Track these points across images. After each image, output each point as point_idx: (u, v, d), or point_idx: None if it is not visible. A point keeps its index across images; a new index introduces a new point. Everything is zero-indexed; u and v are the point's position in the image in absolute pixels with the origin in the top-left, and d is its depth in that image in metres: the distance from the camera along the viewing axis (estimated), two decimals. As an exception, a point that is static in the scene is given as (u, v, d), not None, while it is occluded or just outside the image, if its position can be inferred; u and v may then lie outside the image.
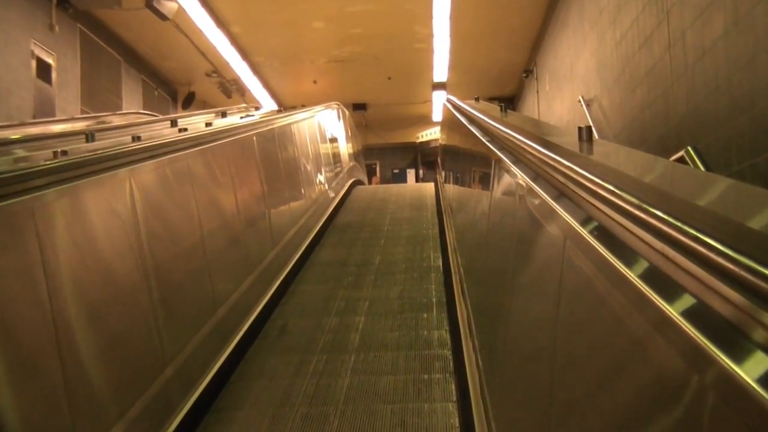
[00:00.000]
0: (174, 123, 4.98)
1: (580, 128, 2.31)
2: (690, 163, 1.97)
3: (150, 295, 2.64)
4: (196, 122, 5.24)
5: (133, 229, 2.59)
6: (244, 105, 8.72)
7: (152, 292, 2.64)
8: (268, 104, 16.43)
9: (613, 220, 1.28)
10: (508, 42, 13.38)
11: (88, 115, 8.97)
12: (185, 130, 3.77)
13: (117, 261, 2.51)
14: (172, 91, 14.93)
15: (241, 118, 5.45)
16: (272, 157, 5.29)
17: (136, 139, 3.63)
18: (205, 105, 15.24)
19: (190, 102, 14.92)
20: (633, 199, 1.12)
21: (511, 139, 2.71)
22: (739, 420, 0.72)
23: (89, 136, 3.57)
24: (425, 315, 4.65)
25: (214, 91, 15.20)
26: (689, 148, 1.97)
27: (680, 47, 5.56)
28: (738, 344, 0.75)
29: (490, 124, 3.45)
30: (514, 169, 2.55)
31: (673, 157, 2.06)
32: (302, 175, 6.42)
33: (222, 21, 11.65)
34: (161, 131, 4.49)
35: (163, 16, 10.20)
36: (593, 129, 2.25)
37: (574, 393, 1.40)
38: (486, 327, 3.02)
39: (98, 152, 2.47)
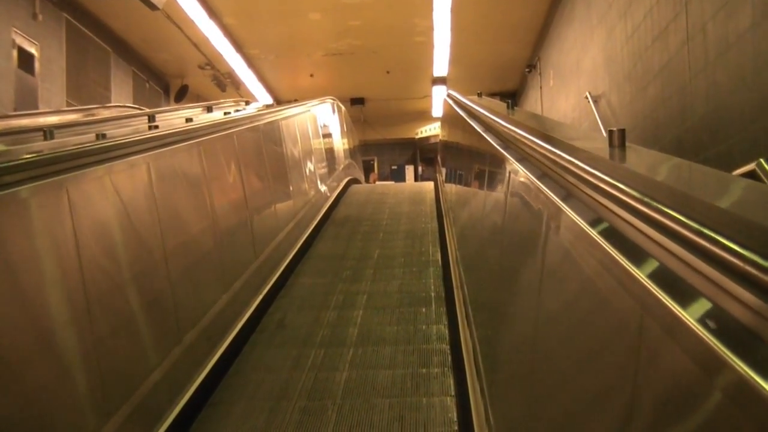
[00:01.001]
0: (152, 119, 4.59)
1: (611, 131, 1.98)
2: (764, 179, 1.59)
3: (92, 331, 2.22)
4: (176, 118, 4.84)
5: (69, 252, 2.16)
6: (233, 100, 8.28)
7: (96, 324, 2.22)
8: (264, 98, 16.03)
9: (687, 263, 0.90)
10: (510, 36, 13.01)
11: (71, 108, 8.56)
12: (156, 127, 3.36)
13: (45, 293, 2.07)
14: (164, 84, 14.49)
15: (225, 113, 5.04)
16: (256, 158, 4.82)
17: (101, 137, 3.25)
18: (198, 98, 14.82)
19: (183, 95, 14.48)
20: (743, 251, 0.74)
21: (526, 142, 2.34)
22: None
23: (48, 133, 3.17)
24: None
25: (207, 85, 14.76)
26: (762, 160, 1.58)
27: (700, 41, 5.19)
28: None
29: (499, 123, 3.07)
30: (528, 175, 2.19)
31: (739, 171, 1.68)
32: (292, 176, 5.97)
33: (215, 11, 11.23)
34: (137, 127, 4.09)
35: (152, 6, 9.77)
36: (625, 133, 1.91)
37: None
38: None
39: (25, 158, 2.04)
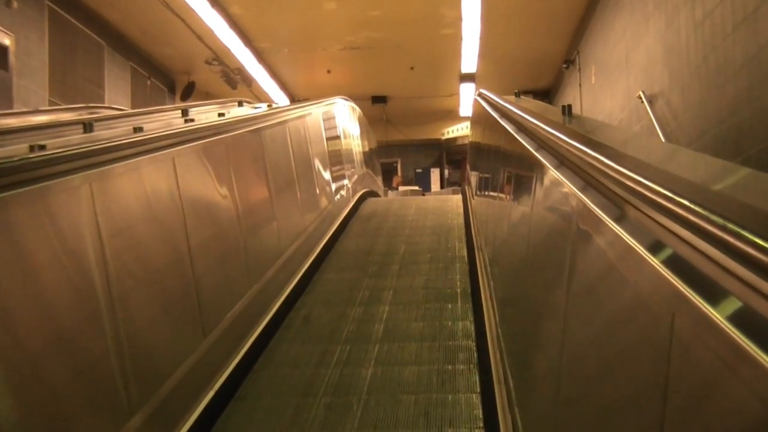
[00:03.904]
0: (89, 128, 3.47)
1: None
2: None
3: None
4: (123, 126, 3.72)
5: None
6: (228, 100, 7.13)
7: None
8: (278, 97, 14.95)
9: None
10: (546, 27, 11.78)
11: (45, 108, 7.51)
12: (43, 147, 2.24)
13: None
14: (169, 81, 13.43)
15: (186, 120, 3.92)
16: (215, 187, 3.57)
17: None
18: (207, 96, 13.76)
19: (189, 93, 13.42)
20: None
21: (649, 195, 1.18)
22: None
23: None
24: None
25: (216, 82, 13.66)
26: None
27: (809, 25, 3.96)
28: None
29: (565, 142, 1.93)
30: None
31: None
32: (280, 203, 4.65)
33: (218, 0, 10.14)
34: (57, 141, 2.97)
35: (145, -7, 8.72)
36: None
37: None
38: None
39: None
